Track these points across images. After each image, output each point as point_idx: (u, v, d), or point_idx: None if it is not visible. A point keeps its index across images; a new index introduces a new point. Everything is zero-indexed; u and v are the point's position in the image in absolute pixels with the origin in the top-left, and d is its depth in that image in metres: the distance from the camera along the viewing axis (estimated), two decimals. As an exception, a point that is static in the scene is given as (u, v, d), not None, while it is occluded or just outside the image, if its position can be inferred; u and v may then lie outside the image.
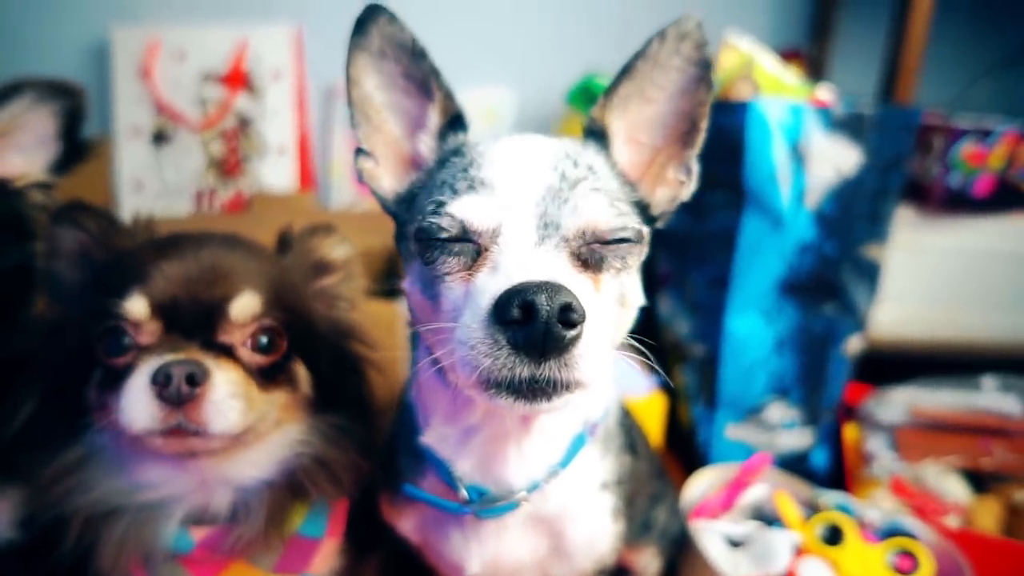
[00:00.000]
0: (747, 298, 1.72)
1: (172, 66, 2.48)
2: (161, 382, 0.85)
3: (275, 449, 1.01)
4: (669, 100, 0.92)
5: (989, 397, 1.78)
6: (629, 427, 1.16)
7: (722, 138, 1.56)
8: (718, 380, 1.78)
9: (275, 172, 2.58)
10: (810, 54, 2.70)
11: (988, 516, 1.59)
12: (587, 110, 0.95)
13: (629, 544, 1.18)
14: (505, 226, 0.78)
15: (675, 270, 1.92)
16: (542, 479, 0.94)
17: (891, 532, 1.37)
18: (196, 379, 0.86)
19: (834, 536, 1.32)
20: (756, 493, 1.51)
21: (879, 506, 1.55)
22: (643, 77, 0.90)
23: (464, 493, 0.93)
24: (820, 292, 1.73)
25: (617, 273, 0.82)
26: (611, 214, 0.80)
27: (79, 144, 1.22)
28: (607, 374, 0.75)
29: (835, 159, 1.64)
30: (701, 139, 0.93)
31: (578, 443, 0.96)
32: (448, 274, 0.79)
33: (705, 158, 0.95)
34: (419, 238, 0.82)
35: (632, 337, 0.86)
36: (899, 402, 1.81)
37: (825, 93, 1.90)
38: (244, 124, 2.55)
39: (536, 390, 0.70)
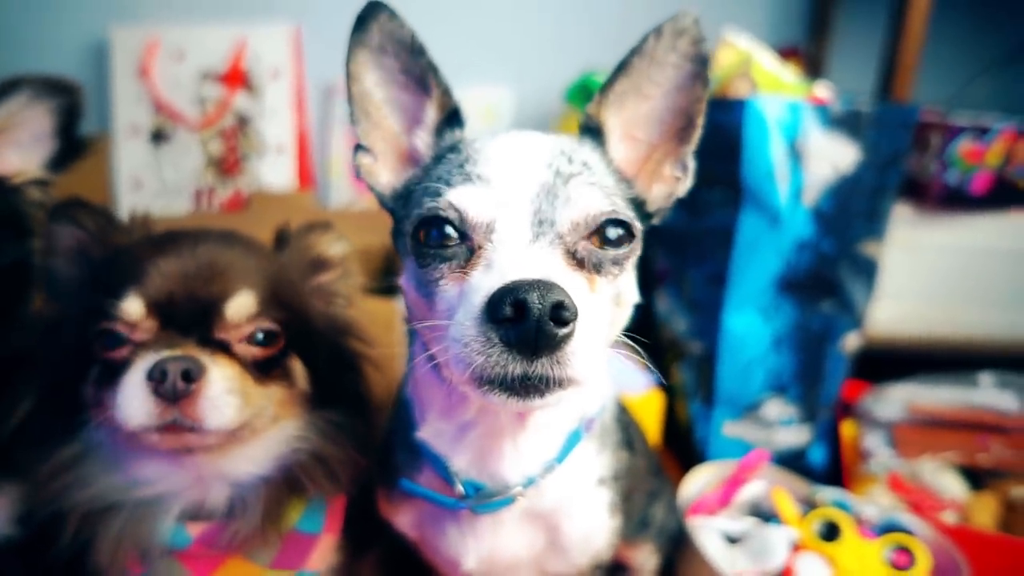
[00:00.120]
0: (745, 295, 1.72)
1: (171, 65, 2.48)
2: (157, 378, 0.86)
3: (272, 445, 1.01)
4: (665, 96, 0.92)
5: (986, 394, 1.78)
6: (626, 423, 1.16)
7: (720, 136, 1.57)
8: (716, 377, 1.78)
9: (274, 171, 2.58)
10: (808, 52, 2.70)
11: (985, 512, 1.59)
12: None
13: (626, 540, 1.18)
14: (499, 223, 0.78)
15: (673, 267, 1.92)
16: (538, 474, 0.94)
17: (888, 528, 1.38)
18: (192, 375, 0.87)
19: (831, 532, 1.33)
20: (753, 490, 1.52)
21: (876, 502, 1.55)
22: (639, 73, 0.90)
23: (460, 488, 0.93)
24: (818, 289, 1.73)
25: (614, 279, 0.82)
26: (605, 204, 0.80)
27: (76, 141, 1.22)
28: (602, 370, 0.75)
29: (833, 156, 1.64)
30: (697, 135, 0.93)
31: (574, 439, 0.96)
32: (443, 274, 0.79)
33: (702, 155, 0.95)
34: (416, 231, 0.82)
35: (627, 335, 0.86)
36: (896, 399, 1.81)
37: (823, 91, 1.91)
38: (243, 123, 2.55)
39: (529, 387, 0.71)
